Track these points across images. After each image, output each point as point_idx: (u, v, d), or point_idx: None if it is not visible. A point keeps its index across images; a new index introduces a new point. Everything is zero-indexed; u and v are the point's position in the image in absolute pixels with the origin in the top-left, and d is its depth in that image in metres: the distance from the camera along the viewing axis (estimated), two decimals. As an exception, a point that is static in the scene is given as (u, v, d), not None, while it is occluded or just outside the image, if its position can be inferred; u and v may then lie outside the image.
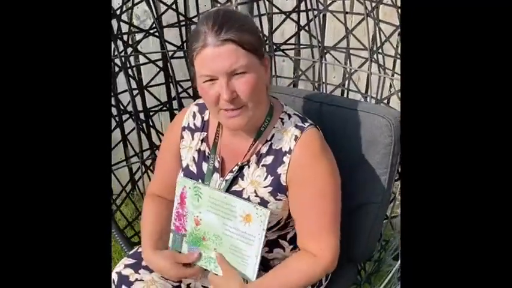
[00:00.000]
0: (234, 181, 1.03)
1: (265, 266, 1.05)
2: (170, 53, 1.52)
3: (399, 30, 1.19)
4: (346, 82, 1.47)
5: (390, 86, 1.38)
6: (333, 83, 1.52)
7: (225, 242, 1.01)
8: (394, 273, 0.98)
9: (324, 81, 1.52)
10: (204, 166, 1.06)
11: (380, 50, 1.28)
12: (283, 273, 1.01)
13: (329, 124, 1.16)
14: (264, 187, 1.01)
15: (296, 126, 1.01)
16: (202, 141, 1.08)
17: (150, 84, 1.63)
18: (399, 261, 0.98)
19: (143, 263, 1.08)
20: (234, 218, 0.99)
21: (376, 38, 1.25)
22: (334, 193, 1.01)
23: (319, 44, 1.43)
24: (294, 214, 1.02)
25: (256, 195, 1.01)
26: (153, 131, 1.70)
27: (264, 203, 1.01)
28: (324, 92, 1.56)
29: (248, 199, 1.01)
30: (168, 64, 1.54)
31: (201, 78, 0.92)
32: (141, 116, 1.61)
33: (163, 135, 1.77)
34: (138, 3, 1.37)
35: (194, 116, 1.10)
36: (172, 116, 1.84)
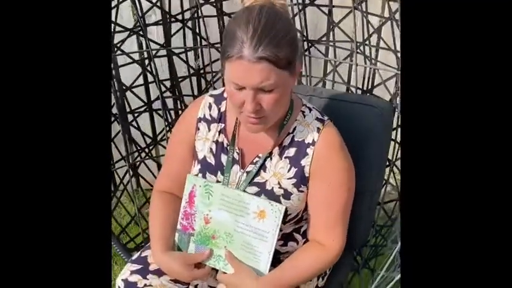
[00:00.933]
0: (256, 173, 1.04)
1: (275, 260, 1.06)
2: (154, 52, 1.51)
3: (389, 21, 1.23)
4: (331, 74, 1.51)
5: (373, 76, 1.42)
6: (317, 76, 1.55)
7: (237, 239, 1.02)
8: (395, 256, 1.02)
9: (308, 74, 1.55)
10: (223, 158, 1.07)
11: (367, 42, 1.32)
12: (294, 265, 1.04)
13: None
14: (288, 179, 1.03)
15: (317, 119, 1.04)
16: (220, 132, 1.08)
17: (133, 85, 1.61)
18: (399, 244, 1.02)
19: (150, 268, 1.06)
20: (246, 214, 1.00)
21: (363, 30, 1.29)
22: (352, 186, 1.06)
23: (304, 38, 1.46)
24: (311, 205, 1.05)
25: (280, 187, 1.03)
26: (137, 133, 1.67)
27: (287, 194, 1.03)
28: (309, 85, 1.59)
29: (271, 190, 1.03)
30: (152, 63, 1.52)
31: (229, 83, 0.93)
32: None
33: (148, 136, 1.77)
34: (123, 1, 1.35)
35: (210, 107, 1.10)
36: (152, 117, 1.82)
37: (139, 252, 1.12)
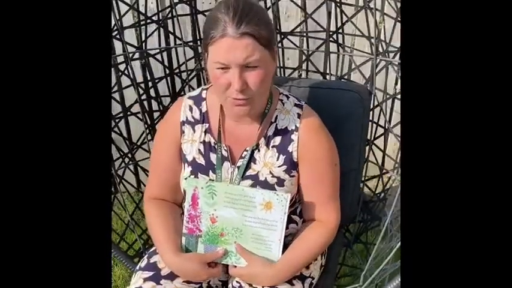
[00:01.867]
0: (247, 166, 1.08)
1: None
2: (130, 55, 1.51)
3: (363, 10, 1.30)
4: (304, 64, 1.57)
5: (350, 62, 1.49)
6: (291, 67, 1.62)
7: (246, 233, 1.05)
8: (387, 227, 1.10)
9: (282, 65, 1.61)
10: (212, 156, 1.10)
11: (340, 30, 1.39)
12: (301, 245, 1.10)
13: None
14: (278, 166, 1.08)
15: (296, 105, 1.10)
16: (205, 132, 1.11)
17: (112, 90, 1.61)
18: (389, 215, 1.10)
19: (162, 273, 1.08)
20: (253, 208, 1.03)
21: (336, 19, 1.36)
22: (337, 161, 1.13)
23: (277, 30, 1.52)
24: (303, 186, 1.11)
25: (273, 176, 1.08)
26: (119, 139, 1.67)
27: (280, 181, 1.08)
28: (282, 75, 1.66)
29: (265, 180, 1.08)
30: (129, 67, 1.53)
31: (214, 64, 0.96)
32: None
33: (129, 141, 1.76)
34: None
35: (191, 109, 1.13)
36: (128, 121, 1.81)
37: (145, 259, 1.13)
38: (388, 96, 1.38)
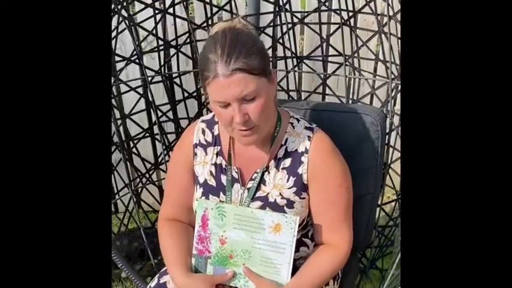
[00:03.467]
0: (257, 188, 1.09)
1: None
2: (149, 78, 1.55)
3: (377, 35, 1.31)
4: (321, 87, 1.58)
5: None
6: (308, 90, 1.63)
7: (255, 255, 1.06)
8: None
9: (298, 88, 1.63)
10: (223, 178, 1.12)
11: (356, 54, 1.40)
12: (310, 270, 1.09)
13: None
14: (288, 188, 1.09)
15: (306, 128, 1.11)
16: (217, 154, 1.13)
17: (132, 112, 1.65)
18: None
19: None
20: (262, 230, 1.04)
21: (352, 44, 1.37)
22: (349, 185, 1.12)
23: (293, 55, 1.54)
24: (314, 209, 1.11)
25: (282, 197, 1.09)
26: (137, 159, 1.70)
27: (290, 203, 1.09)
28: (301, 99, 1.67)
29: (275, 202, 1.08)
30: (148, 90, 1.57)
31: (214, 103, 1.00)
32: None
33: (147, 161, 1.80)
34: (122, 31, 1.40)
35: (204, 132, 1.16)
36: (153, 142, 1.85)
37: (156, 279, 1.14)
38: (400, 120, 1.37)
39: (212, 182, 1.12)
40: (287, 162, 1.09)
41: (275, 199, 1.08)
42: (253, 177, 1.10)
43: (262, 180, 1.09)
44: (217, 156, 1.13)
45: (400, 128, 1.37)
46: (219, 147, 1.13)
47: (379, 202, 1.45)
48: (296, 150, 1.09)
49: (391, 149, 1.45)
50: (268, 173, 1.09)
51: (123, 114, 1.60)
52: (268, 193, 1.09)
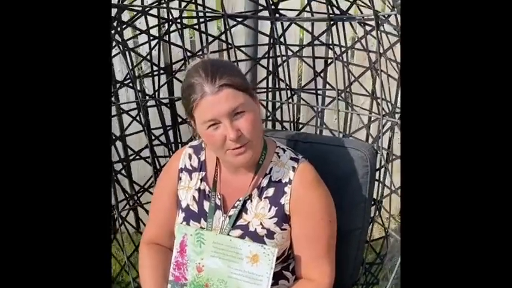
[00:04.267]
0: (238, 216, 1.09)
1: None
2: (142, 103, 1.56)
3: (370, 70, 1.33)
4: (314, 120, 1.59)
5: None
6: (302, 122, 1.63)
7: (231, 285, 1.04)
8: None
9: (292, 120, 1.63)
10: (206, 204, 1.12)
11: (348, 89, 1.41)
12: None
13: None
14: (269, 218, 1.08)
15: (291, 158, 1.12)
16: (201, 180, 1.14)
17: (124, 134, 1.65)
18: (390, 280, 1.07)
19: None
20: (240, 260, 1.03)
21: (345, 79, 1.38)
22: (333, 219, 1.12)
23: (287, 87, 1.55)
24: (295, 242, 1.10)
25: (263, 227, 1.08)
26: (126, 181, 1.70)
27: (270, 234, 1.08)
28: (294, 130, 1.67)
29: (255, 232, 1.07)
30: (141, 113, 1.57)
31: (204, 124, 1.01)
32: (116, 167, 1.62)
33: (136, 184, 1.79)
34: (115, 55, 1.42)
35: (190, 158, 1.17)
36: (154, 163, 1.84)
37: None
38: (394, 157, 1.37)
39: (194, 207, 1.12)
40: (270, 191, 1.09)
41: (255, 228, 1.07)
42: (235, 205, 1.10)
43: (244, 209, 1.09)
44: (201, 182, 1.13)
45: (390, 164, 1.38)
46: (204, 173, 1.13)
47: (368, 238, 1.43)
48: (280, 180, 1.09)
49: (381, 185, 1.45)
50: (251, 201, 1.09)
51: (116, 136, 1.61)
52: (249, 222, 1.08)
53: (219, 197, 1.11)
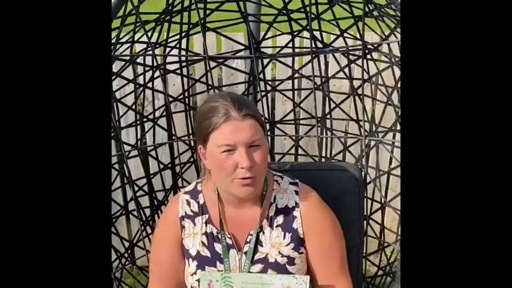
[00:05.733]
0: (254, 250, 1.10)
1: None
2: (126, 153, 1.56)
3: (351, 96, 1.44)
4: (294, 149, 1.67)
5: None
6: (281, 152, 1.71)
7: None
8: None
9: (270, 151, 1.70)
10: (217, 246, 1.12)
11: (328, 116, 1.51)
12: None
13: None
14: (286, 245, 1.11)
15: (291, 183, 1.17)
16: (206, 223, 1.14)
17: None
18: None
19: None
20: None
21: (325, 106, 1.48)
22: (341, 232, 1.17)
23: (266, 120, 1.62)
24: (313, 261, 1.14)
25: (282, 256, 1.10)
26: (115, 238, 1.65)
27: (291, 260, 1.11)
28: (275, 160, 1.74)
29: (275, 262, 1.09)
30: (124, 165, 1.57)
31: (219, 148, 1.03)
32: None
33: (126, 240, 1.74)
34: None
35: (189, 204, 1.16)
36: (128, 219, 1.81)
37: None
38: (381, 173, 1.47)
39: (206, 252, 1.11)
40: (280, 219, 1.12)
41: (275, 259, 1.09)
42: (248, 240, 1.11)
43: (258, 242, 1.10)
44: (206, 225, 1.13)
45: (377, 180, 1.47)
46: (207, 216, 1.13)
47: (364, 253, 1.50)
48: (286, 206, 1.12)
49: (369, 201, 1.54)
50: (263, 233, 1.11)
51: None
52: (267, 254, 1.10)
53: (229, 236, 1.11)
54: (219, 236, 1.11)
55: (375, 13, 1.25)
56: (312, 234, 1.12)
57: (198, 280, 1.10)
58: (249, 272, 1.08)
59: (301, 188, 1.15)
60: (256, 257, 1.10)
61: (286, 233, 1.11)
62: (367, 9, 1.22)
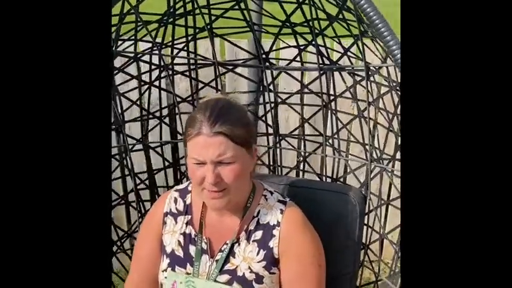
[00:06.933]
0: (225, 260, 1.08)
1: None
2: (130, 146, 1.57)
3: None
4: (301, 165, 1.63)
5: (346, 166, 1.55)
6: (289, 166, 1.67)
7: None
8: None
9: (279, 165, 1.66)
10: (191, 249, 1.12)
11: (336, 136, 1.46)
12: None
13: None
14: (258, 262, 1.09)
15: (279, 201, 1.14)
16: (187, 224, 1.14)
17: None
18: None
19: None
20: None
21: (332, 125, 1.43)
22: (322, 264, 1.13)
23: (274, 132, 1.59)
24: (284, 286, 1.10)
25: (251, 272, 1.08)
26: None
27: (259, 278, 1.08)
28: (280, 174, 1.70)
29: (243, 276, 1.07)
30: (128, 158, 1.58)
31: (191, 159, 1.04)
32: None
33: (120, 228, 1.77)
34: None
35: (176, 201, 1.17)
36: (128, 210, 1.83)
37: None
38: (382, 202, 1.41)
39: (180, 252, 1.12)
40: (258, 234, 1.09)
41: (243, 273, 1.07)
42: (222, 249, 1.10)
43: (231, 252, 1.09)
44: (186, 226, 1.13)
45: (379, 209, 1.41)
46: (189, 217, 1.14)
47: (358, 283, 1.44)
48: (268, 222, 1.10)
49: (369, 230, 1.47)
50: (239, 244, 1.09)
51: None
52: (237, 266, 1.08)
53: (205, 240, 1.11)
54: (196, 239, 1.11)
55: (369, 33, 1.20)
56: (287, 257, 1.08)
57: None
58: (215, 280, 1.07)
59: (288, 208, 1.12)
60: (225, 267, 1.08)
61: (261, 249, 1.08)
62: (362, 29, 1.17)
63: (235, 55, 1.96)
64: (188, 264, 1.10)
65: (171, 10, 1.27)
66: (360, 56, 1.18)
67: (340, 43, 1.38)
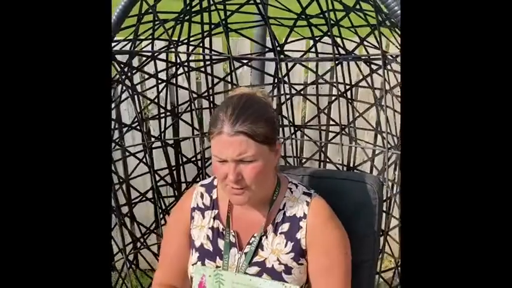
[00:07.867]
0: (254, 253, 1.11)
1: None
2: (149, 144, 1.60)
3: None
4: (317, 154, 1.64)
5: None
6: (306, 157, 1.68)
7: None
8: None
9: (296, 155, 1.68)
10: (220, 243, 1.14)
11: (352, 124, 1.48)
12: None
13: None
14: (286, 253, 1.11)
15: (304, 193, 1.16)
16: (214, 218, 1.16)
17: (128, 176, 1.68)
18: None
19: None
20: None
21: (349, 114, 1.45)
22: (348, 251, 1.15)
23: (290, 123, 1.60)
24: (312, 276, 1.13)
25: (280, 263, 1.10)
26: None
27: (288, 269, 1.10)
28: (297, 164, 1.72)
29: (272, 268, 1.10)
30: (147, 155, 1.61)
31: (214, 157, 1.06)
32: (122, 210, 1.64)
33: (143, 226, 1.80)
34: (125, 99, 1.46)
35: (202, 196, 1.19)
36: (156, 207, 1.85)
37: None
38: (400, 189, 1.42)
39: (209, 246, 1.14)
40: (285, 227, 1.12)
41: (272, 265, 1.10)
42: (250, 242, 1.12)
43: (259, 245, 1.11)
44: (214, 220, 1.15)
45: (397, 195, 1.42)
46: (216, 211, 1.16)
47: (378, 269, 1.46)
48: (294, 215, 1.12)
49: (388, 216, 1.49)
50: (266, 237, 1.11)
51: (123, 179, 1.63)
52: (265, 258, 1.10)
53: (233, 234, 1.13)
54: (224, 233, 1.13)
55: (387, 23, 1.20)
56: (315, 249, 1.11)
57: None
58: (245, 273, 1.09)
59: (314, 199, 1.14)
60: (254, 260, 1.11)
61: (289, 241, 1.11)
62: (380, 19, 1.18)
63: (237, 51, 1.91)
64: (218, 257, 1.13)
65: (187, 8, 1.28)
66: (377, 45, 1.19)
67: (356, 33, 1.38)
